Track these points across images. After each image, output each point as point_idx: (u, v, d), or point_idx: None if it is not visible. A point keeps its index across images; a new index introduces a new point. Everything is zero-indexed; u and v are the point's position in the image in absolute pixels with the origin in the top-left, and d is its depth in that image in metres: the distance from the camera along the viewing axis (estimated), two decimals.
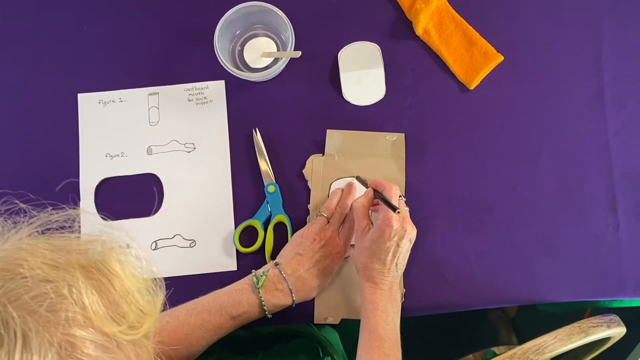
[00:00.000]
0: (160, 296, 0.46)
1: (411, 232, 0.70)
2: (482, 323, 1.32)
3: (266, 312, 0.72)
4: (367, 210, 0.73)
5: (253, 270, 0.74)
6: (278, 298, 0.72)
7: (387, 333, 0.69)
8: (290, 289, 0.72)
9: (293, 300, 0.73)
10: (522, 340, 1.30)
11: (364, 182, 0.77)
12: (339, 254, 0.76)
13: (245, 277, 0.74)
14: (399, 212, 0.68)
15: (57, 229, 0.46)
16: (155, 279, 0.46)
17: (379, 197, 0.72)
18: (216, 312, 0.70)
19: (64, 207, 0.47)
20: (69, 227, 0.47)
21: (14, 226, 0.44)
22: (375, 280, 0.70)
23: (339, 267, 0.78)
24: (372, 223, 0.72)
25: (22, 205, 0.47)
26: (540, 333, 0.76)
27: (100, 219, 0.76)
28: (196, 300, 0.72)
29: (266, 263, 0.79)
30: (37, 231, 0.44)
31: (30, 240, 0.42)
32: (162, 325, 0.68)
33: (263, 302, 0.71)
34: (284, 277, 0.72)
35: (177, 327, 0.69)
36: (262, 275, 0.72)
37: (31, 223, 0.45)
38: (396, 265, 0.71)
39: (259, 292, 0.71)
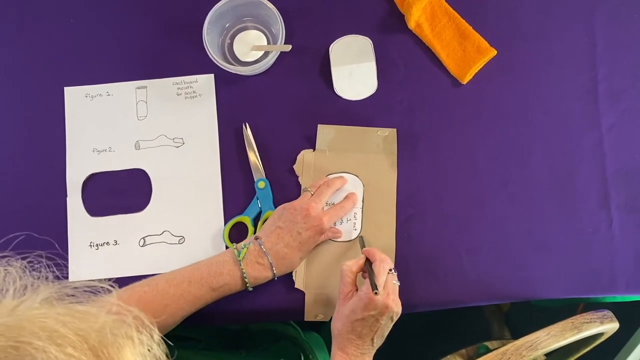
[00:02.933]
0: None
1: (394, 309, 0.66)
2: (475, 318, 1.32)
3: (247, 285, 0.71)
4: (354, 277, 0.70)
5: (234, 244, 0.73)
6: (259, 271, 0.71)
7: None
8: (270, 263, 0.71)
9: (274, 273, 0.72)
10: (515, 335, 1.30)
11: (362, 244, 0.75)
12: (320, 227, 0.74)
13: (226, 250, 0.73)
14: (376, 293, 0.64)
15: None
16: None
17: (367, 268, 0.69)
18: (197, 283, 0.69)
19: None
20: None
21: (31, 282, 0.42)
22: (348, 351, 0.67)
23: (320, 242, 0.76)
24: (356, 290, 0.69)
25: (43, 257, 0.46)
26: (533, 327, 0.75)
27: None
28: (175, 270, 0.71)
29: None
30: (55, 296, 0.42)
31: (45, 309, 0.39)
32: (140, 295, 0.67)
33: (244, 275, 0.70)
34: (264, 252, 0.71)
35: (155, 297, 0.67)
36: (243, 248, 0.71)
37: (50, 284, 0.42)
38: (372, 339, 0.68)
39: (240, 265, 0.70)
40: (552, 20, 0.83)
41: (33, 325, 0.38)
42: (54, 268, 0.48)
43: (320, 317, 0.78)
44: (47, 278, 0.44)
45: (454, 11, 0.83)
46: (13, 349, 0.36)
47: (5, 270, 0.42)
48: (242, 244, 0.73)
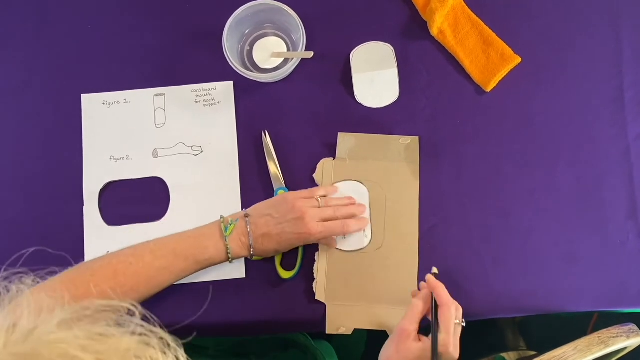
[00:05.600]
0: None
1: (455, 356, 0.65)
2: (488, 327, 1.30)
3: (230, 259, 0.71)
4: (420, 317, 0.67)
5: (221, 215, 0.73)
6: (240, 248, 0.72)
7: None
8: (250, 245, 0.72)
9: (251, 254, 0.73)
10: (529, 345, 1.28)
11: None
12: (306, 235, 0.72)
13: (212, 222, 0.73)
14: None
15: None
16: None
17: (433, 315, 0.66)
18: (182, 255, 0.69)
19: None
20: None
21: (47, 303, 0.39)
22: None
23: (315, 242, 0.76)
24: (417, 334, 0.65)
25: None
26: (547, 336, 0.74)
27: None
28: (158, 241, 0.70)
29: (276, 271, 0.77)
30: (72, 317, 0.39)
31: (63, 333, 0.37)
32: (125, 267, 0.67)
33: (229, 250, 0.71)
34: (249, 232, 0.72)
35: (141, 269, 0.68)
36: (230, 224, 0.71)
37: (67, 305, 0.40)
38: None
39: (226, 240, 0.71)
40: (578, 27, 0.82)
41: (50, 353, 0.36)
42: None
43: (342, 330, 0.76)
44: (63, 297, 0.42)
45: (477, 18, 0.82)
46: None
47: (19, 289, 0.40)
48: (229, 218, 0.73)
